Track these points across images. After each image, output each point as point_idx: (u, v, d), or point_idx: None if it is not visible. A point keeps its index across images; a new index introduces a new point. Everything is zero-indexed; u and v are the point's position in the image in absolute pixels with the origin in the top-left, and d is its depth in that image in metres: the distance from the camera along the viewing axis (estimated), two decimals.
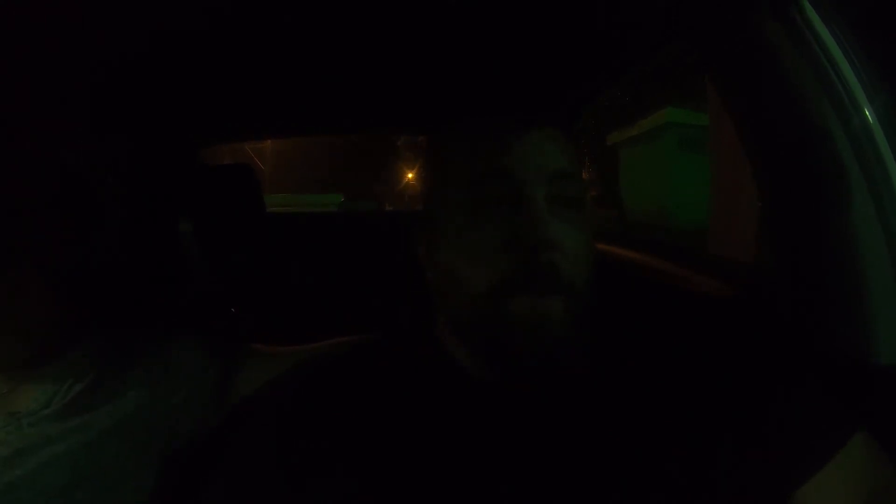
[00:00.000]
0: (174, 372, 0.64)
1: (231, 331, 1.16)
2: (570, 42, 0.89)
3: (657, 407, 0.44)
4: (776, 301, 0.62)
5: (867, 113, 0.49)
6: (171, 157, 1.28)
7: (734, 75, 0.60)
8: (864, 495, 0.41)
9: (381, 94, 1.18)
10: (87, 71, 0.86)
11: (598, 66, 1.01)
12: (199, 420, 0.64)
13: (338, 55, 0.92)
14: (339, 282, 1.30)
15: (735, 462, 0.42)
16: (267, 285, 1.28)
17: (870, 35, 0.49)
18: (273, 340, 0.75)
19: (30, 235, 0.58)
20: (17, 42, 0.73)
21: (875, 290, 0.51)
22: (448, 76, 1.03)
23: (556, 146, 0.48)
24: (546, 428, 0.44)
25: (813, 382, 0.46)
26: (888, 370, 0.50)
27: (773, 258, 0.63)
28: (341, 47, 0.88)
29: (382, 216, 2.84)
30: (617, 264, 1.18)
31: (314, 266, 1.35)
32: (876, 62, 0.49)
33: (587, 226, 0.48)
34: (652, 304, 0.89)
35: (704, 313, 0.75)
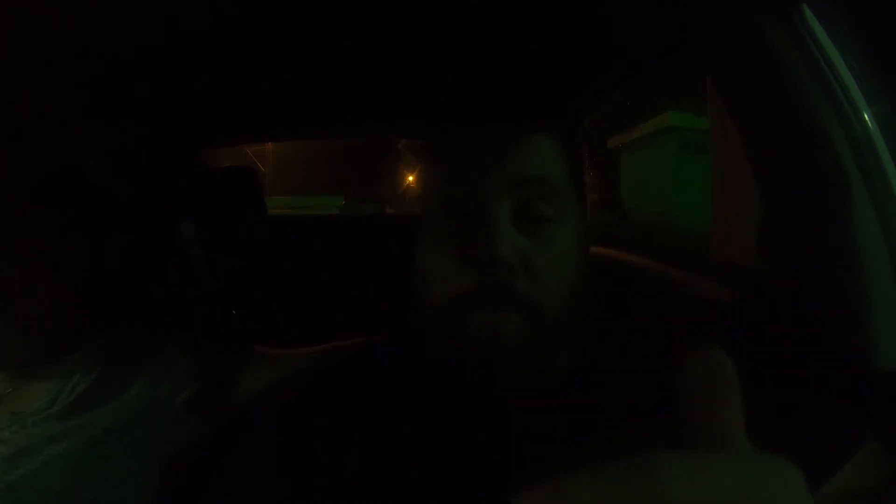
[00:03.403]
0: (177, 373, 0.64)
1: (233, 333, 1.16)
2: (572, 49, 0.89)
3: (658, 412, 0.44)
4: (777, 305, 0.61)
5: (867, 117, 0.49)
6: (172, 159, 1.28)
7: (735, 80, 0.60)
8: (866, 497, 0.41)
9: (381, 99, 1.18)
10: (87, 70, 0.87)
11: (599, 73, 1.01)
12: (201, 421, 0.64)
13: (339, 58, 0.92)
14: (341, 285, 1.30)
15: None
16: (268, 288, 1.28)
17: (870, 39, 0.49)
18: (275, 343, 0.75)
19: (37, 235, 0.58)
20: (21, 44, 0.73)
21: (876, 293, 0.51)
22: (449, 82, 1.03)
23: (530, 150, 0.46)
24: (538, 435, 0.44)
25: (817, 387, 0.45)
26: (890, 373, 0.50)
27: (774, 262, 0.63)
28: (343, 51, 0.89)
29: (384, 219, 2.83)
30: (616, 268, 1.18)
31: (316, 269, 1.35)
32: (876, 66, 0.49)
33: (569, 235, 0.46)
34: (653, 309, 0.89)
35: (706, 318, 0.75)
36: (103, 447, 0.57)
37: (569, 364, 0.47)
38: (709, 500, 0.16)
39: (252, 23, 0.77)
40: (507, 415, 0.45)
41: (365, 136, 1.62)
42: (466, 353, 0.44)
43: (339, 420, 0.46)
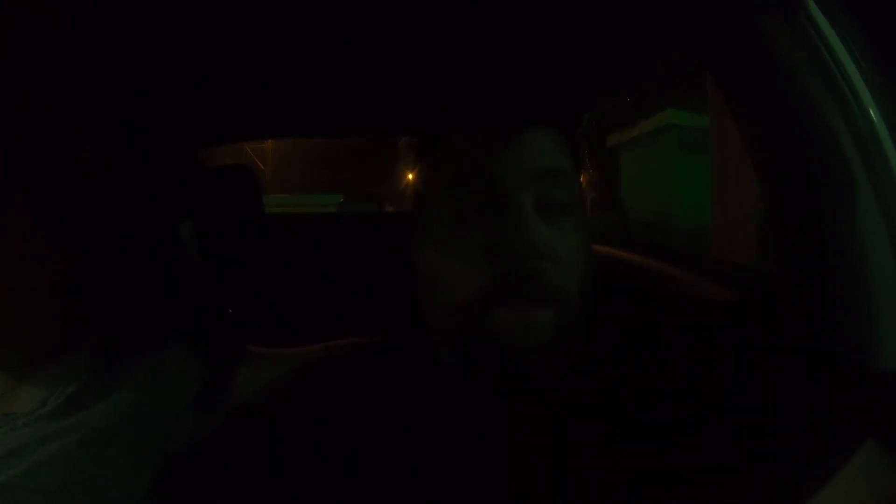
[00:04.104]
0: (170, 373, 0.64)
1: (229, 332, 1.16)
2: (572, 49, 0.88)
3: (659, 415, 0.43)
4: (778, 304, 0.61)
5: (872, 113, 0.49)
6: (171, 158, 1.28)
7: (737, 75, 0.60)
8: (867, 500, 0.40)
9: (378, 97, 1.18)
10: (87, 70, 0.86)
11: (599, 72, 1.00)
12: (195, 422, 0.64)
13: (337, 55, 0.92)
14: (338, 284, 1.30)
15: (742, 472, 0.41)
16: (265, 286, 1.27)
17: (875, 33, 0.48)
18: (271, 342, 0.75)
19: (32, 237, 0.58)
20: (18, 42, 0.73)
21: (879, 292, 0.50)
22: (446, 80, 1.03)
23: (544, 143, 0.46)
24: (542, 435, 0.43)
25: (820, 389, 0.45)
26: (891, 374, 0.49)
27: (776, 260, 0.62)
28: (341, 48, 0.88)
29: (382, 217, 2.83)
30: (617, 267, 1.18)
31: (313, 267, 1.35)
32: (881, 61, 0.48)
33: (581, 229, 0.46)
34: (654, 308, 0.89)
35: (707, 318, 0.75)
36: (96, 447, 0.57)
37: (573, 362, 0.46)
38: None
39: (252, 22, 0.77)
40: (517, 417, 0.44)
41: (367, 134, 1.62)
42: (491, 355, 0.42)
43: (337, 421, 0.45)
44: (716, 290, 0.84)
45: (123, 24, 0.73)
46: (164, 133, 1.24)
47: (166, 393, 0.63)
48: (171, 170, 1.27)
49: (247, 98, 1.15)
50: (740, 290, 0.79)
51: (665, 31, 0.78)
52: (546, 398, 0.44)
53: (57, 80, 0.87)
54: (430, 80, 1.06)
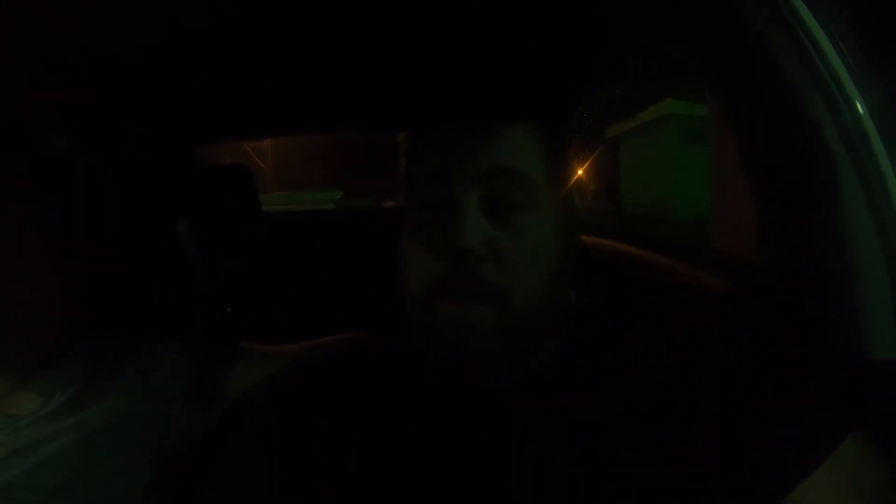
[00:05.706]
0: (166, 372, 0.65)
1: (226, 330, 1.17)
2: (558, 43, 0.88)
3: (649, 405, 0.43)
4: (771, 296, 0.61)
5: (858, 105, 0.49)
6: (167, 156, 1.28)
7: (723, 70, 0.60)
8: (860, 495, 0.41)
9: (371, 93, 1.18)
10: (84, 69, 0.87)
11: (586, 68, 1.00)
12: (191, 420, 0.65)
13: (333, 53, 0.92)
14: (335, 280, 1.30)
15: (729, 462, 0.41)
16: (263, 285, 1.28)
17: (860, 26, 0.49)
18: (269, 340, 0.75)
19: (30, 241, 0.59)
20: (18, 42, 0.73)
21: (867, 284, 0.50)
22: (439, 77, 1.03)
23: (504, 141, 0.46)
24: (532, 428, 0.44)
25: (808, 380, 0.45)
26: (882, 366, 0.49)
27: (768, 253, 0.63)
28: (336, 45, 0.89)
29: (379, 213, 2.81)
30: (614, 259, 1.18)
31: (310, 265, 1.35)
32: (867, 54, 0.49)
33: (545, 227, 0.46)
34: (649, 300, 0.89)
35: (702, 309, 0.75)
36: (94, 446, 0.58)
37: (551, 357, 0.47)
38: None
39: (251, 22, 0.77)
40: (486, 410, 0.45)
41: (364, 130, 1.62)
42: (437, 348, 0.44)
43: (333, 418, 0.46)
44: (714, 281, 0.84)
45: (123, 23, 0.73)
46: (163, 131, 1.24)
47: (163, 391, 0.64)
48: (169, 168, 1.27)
49: (245, 98, 1.15)
50: (738, 282, 0.79)
51: (657, 27, 0.78)
52: (522, 394, 0.45)
53: (57, 80, 0.88)
54: (420, 80, 1.06)
